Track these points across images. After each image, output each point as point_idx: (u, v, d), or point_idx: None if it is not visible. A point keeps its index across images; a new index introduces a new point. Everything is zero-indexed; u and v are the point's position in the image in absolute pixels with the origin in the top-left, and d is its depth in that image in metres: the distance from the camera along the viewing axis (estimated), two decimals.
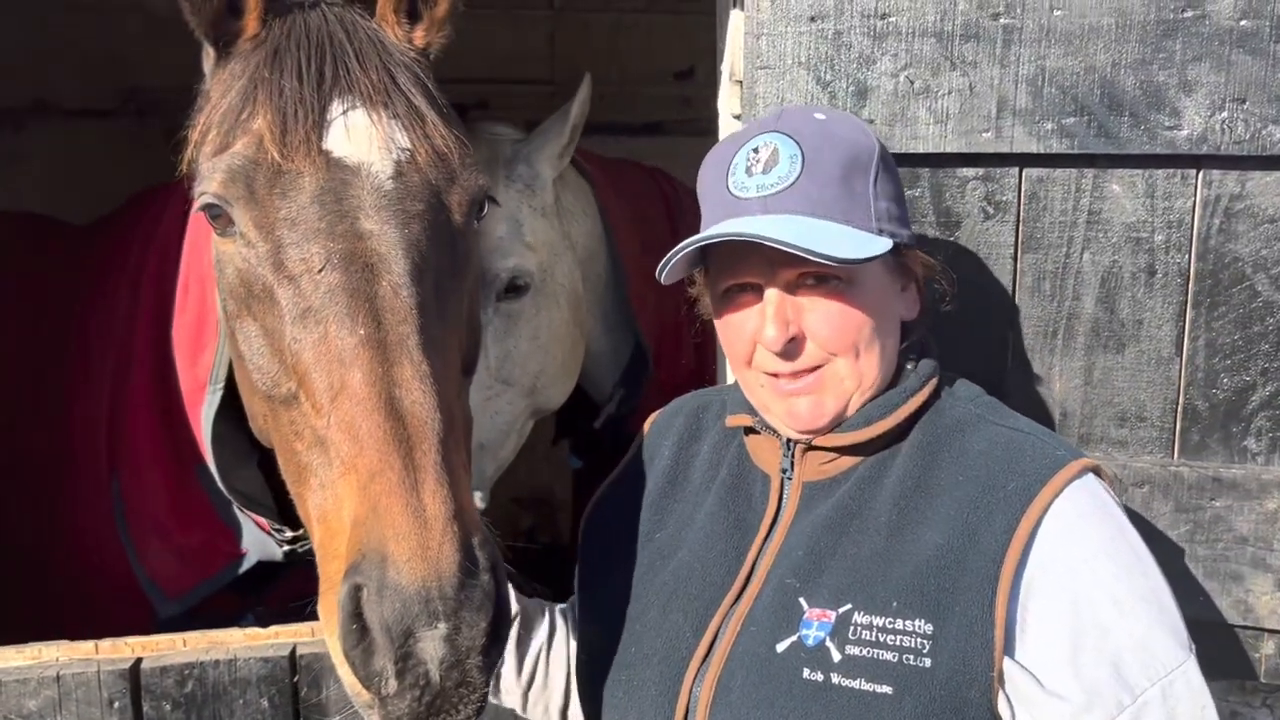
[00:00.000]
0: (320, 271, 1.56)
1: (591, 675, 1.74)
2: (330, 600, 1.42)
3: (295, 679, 2.16)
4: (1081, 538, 1.45)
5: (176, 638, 2.23)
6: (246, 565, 2.56)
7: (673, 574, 1.68)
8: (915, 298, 1.66)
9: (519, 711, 1.98)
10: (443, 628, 1.33)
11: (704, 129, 2.60)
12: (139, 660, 2.17)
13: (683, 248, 1.60)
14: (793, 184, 1.55)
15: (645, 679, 1.63)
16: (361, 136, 1.66)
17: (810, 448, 1.63)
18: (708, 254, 1.68)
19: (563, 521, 5.66)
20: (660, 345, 3.40)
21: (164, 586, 2.61)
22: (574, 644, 1.91)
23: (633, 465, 1.90)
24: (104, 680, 2.13)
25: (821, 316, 1.57)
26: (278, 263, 1.61)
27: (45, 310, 3.02)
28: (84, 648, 2.19)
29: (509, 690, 1.93)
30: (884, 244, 1.54)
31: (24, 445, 2.86)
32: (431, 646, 1.33)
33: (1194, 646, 1.45)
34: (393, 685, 1.34)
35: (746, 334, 1.62)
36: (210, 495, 2.44)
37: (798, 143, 1.57)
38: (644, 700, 1.62)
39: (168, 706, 2.16)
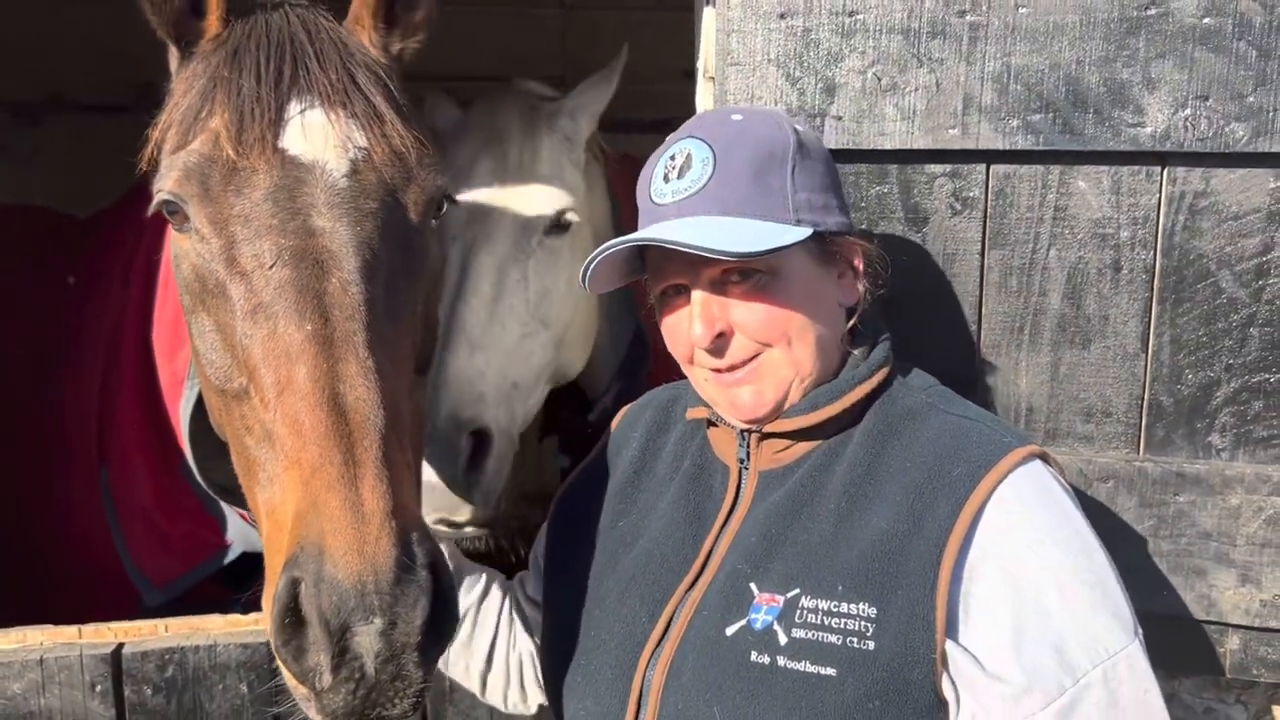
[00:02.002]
0: (271, 268, 1.58)
1: (552, 660, 1.78)
2: (272, 593, 1.44)
3: (274, 664, 2.20)
4: (1025, 522, 1.46)
5: (158, 623, 2.28)
6: (231, 556, 2.61)
7: (633, 561, 1.72)
8: (853, 283, 1.68)
9: (439, 668, 1.99)
10: (378, 622, 1.34)
11: None
12: (121, 645, 2.21)
13: (594, 258, 1.65)
14: (704, 186, 1.59)
15: (602, 663, 1.66)
16: (317, 135, 1.68)
17: (765, 436, 1.66)
18: (645, 260, 1.73)
19: None
20: (659, 341, 3.38)
21: (150, 575, 2.65)
22: (507, 615, 1.96)
23: (601, 455, 1.94)
24: (86, 664, 2.18)
25: (747, 311, 1.60)
26: (230, 259, 1.63)
27: (43, 302, 3.07)
28: (67, 632, 2.24)
29: None
30: (797, 233, 1.56)
31: (21, 435, 2.92)
32: (367, 640, 1.34)
33: (1140, 631, 1.46)
34: (328, 679, 1.35)
35: (682, 334, 1.66)
36: (194, 487, 2.48)
37: (710, 146, 1.61)
38: (600, 684, 1.65)
39: (149, 690, 2.20)
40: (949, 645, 1.43)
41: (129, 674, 2.19)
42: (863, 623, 1.45)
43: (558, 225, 2.69)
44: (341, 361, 1.51)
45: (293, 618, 1.38)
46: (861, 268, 1.67)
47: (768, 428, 1.64)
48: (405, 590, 1.36)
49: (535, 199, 2.69)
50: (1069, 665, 1.41)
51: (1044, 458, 1.54)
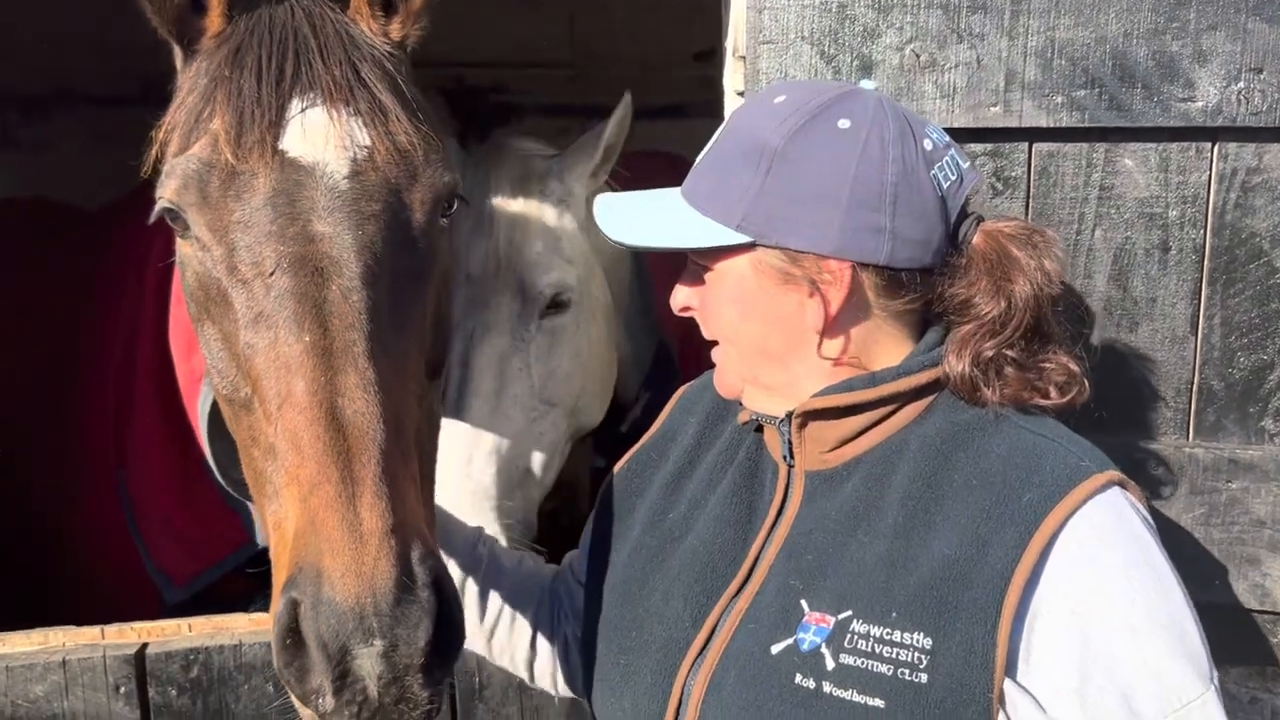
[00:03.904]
0: (270, 275, 1.53)
1: (589, 652, 1.73)
2: (275, 612, 1.40)
3: None
4: (1098, 558, 1.37)
5: (182, 623, 2.24)
6: (253, 552, 2.57)
7: (680, 559, 1.65)
8: (820, 307, 1.51)
9: (486, 657, 1.98)
10: (379, 644, 1.30)
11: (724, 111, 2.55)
12: (144, 645, 2.18)
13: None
14: (700, 162, 1.59)
15: (642, 666, 1.61)
16: (318, 135, 1.61)
17: (804, 422, 1.57)
18: None
19: (586, 506, 5.62)
20: (685, 342, 3.34)
21: (171, 574, 2.62)
22: (548, 600, 1.93)
23: (656, 440, 1.87)
24: (110, 665, 2.14)
25: (692, 294, 1.62)
26: (231, 266, 1.57)
27: (57, 297, 3.03)
28: (89, 633, 2.20)
29: (471, 636, 1.92)
30: (712, 238, 1.51)
31: (39, 433, 2.88)
32: (369, 663, 1.31)
33: (1216, 675, 1.36)
34: (330, 702, 1.32)
35: None
36: (215, 484, 2.43)
37: (728, 123, 1.58)
38: (638, 687, 1.60)
39: (173, 691, 2.17)
40: (1008, 684, 1.35)
41: (153, 675, 2.16)
42: (916, 654, 1.37)
43: (555, 305, 2.65)
44: (340, 373, 1.45)
45: (294, 639, 1.34)
46: (832, 296, 1.50)
47: (804, 407, 1.56)
48: (406, 611, 1.32)
49: (530, 283, 2.63)
50: (1137, 715, 1.32)
51: (1123, 484, 1.44)
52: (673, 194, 1.61)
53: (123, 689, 2.14)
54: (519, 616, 1.92)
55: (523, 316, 2.61)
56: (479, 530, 2.00)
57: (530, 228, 2.67)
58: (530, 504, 2.61)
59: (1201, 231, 1.97)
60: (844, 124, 1.48)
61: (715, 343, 1.64)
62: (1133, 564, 1.37)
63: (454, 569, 1.90)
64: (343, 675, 1.31)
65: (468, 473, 2.46)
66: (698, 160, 1.60)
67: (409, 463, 1.48)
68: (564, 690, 1.96)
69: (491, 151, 2.82)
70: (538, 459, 2.62)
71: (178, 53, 1.81)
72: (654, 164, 3.84)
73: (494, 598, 1.92)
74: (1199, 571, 2.01)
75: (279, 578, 1.43)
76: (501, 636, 1.92)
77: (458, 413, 2.51)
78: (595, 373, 2.80)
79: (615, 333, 2.98)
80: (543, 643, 1.92)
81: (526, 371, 2.59)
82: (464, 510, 2.40)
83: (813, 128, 1.48)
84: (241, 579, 2.70)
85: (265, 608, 2.34)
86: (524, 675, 1.97)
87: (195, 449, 2.43)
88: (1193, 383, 2.01)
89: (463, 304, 2.58)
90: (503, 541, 2.43)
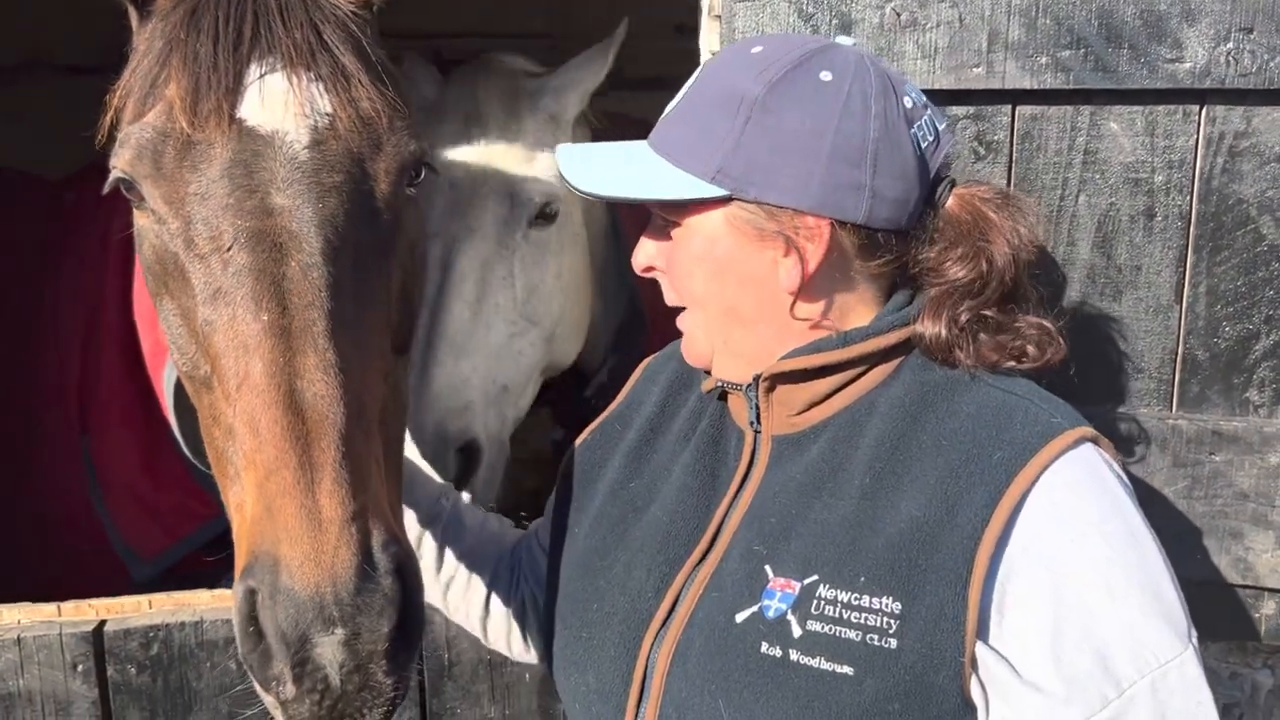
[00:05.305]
0: (229, 251, 1.46)
1: (550, 625, 1.69)
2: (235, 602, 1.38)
3: None
4: (1071, 516, 1.33)
5: (142, 599, 2.18)
6: (223, 527, 2.51)
7: (642, 529, 1.61)
8: (795, 266, 1.46)
9: (443, 612, 1.95)
10: (340, 633, 1.27)
11: None
12: (103, 622, 2.12)
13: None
14: (668, 112, 1.53)
15: (605, 639, 1.57)
16: (277, 102, 1.53)
17: (772, 385, 1.52)
18: None
19: (549, 478, 5.58)
20: (655, 305, 3.28)
21: (138, 548, 2.56)
22: (507, 561, 1.90)
23: (620, 409, 1.83)
24: (66, 643, 2.09)
25: (656, 250, 1.57)
26: (188, 240, 1.51)
27: (17, 267, 2.95)
28: (46, 610, 2.14)
29: (428, 587, 1.88)
30: (686, 190, 1.45)
31: None
32: (330, 652, 1.28)
33: (1195, 635, 1.33)
34: (290, 690, 1.29)
35: None
36: (182, 457, 2.38)
37: (702, 71, 1.52)
38: (602, 660, 1.56)
39: (133, 669, 2.11)
40: (980, 648, 1.31)
41: (111, 653, 2.10)
42: (885, 619, 1.32)
43: (543, 215, 2.57)
44: (299, 354, 1.40)
45: (255, 626, 1.31)
46: (810, 254, 1.44)
47: (772, 369, 1.51)
48: (368, 600, 1.28)
49: (518, 190, 2.56)
50: (1113, 675, 1.28)
51: (1096, 441, 1.40)
52: (640, 145, 1.55)
53: (80, 667, 2.09)
54: (475, 575, 1.88)
55: (509, 223, 2.54)
56: (447, 485, 1.96)
57: (521, 136, 2.62)
58: (504, 423, 2.55)
59: (1188, 197, 1.92)
60: (826, 76, 1.43)
61: (680, 311, 1.59)
62: (1107, 521, 1.33)
63: (415, 520, 1.88)
64: (302, 663, 1.28)
65: (450, 372, 2.42)
66: (667, 110, 1.54)
67: (372, 444, 1.43)
68: (520, 655, 1.93)
69: (478, 67, 2.76)
70: (516, 377, 2.56)
71: (133, 13, 1.73)
72: (628, 125, 3.76)
73: (453, 552, 1.89)
74: (1181, 545, 1.98)
75: (238, 564, 1.38)
76: (457, 592, 1.89)
77: (435, 319, 2.42)
78: (574, 301, 2.74)
79: (593, 280, 2.92)
80: (498, 604, 1.88)
81: (510, 281, 2.52)
82: (447, 410, 2.38)
83: (794, 79, 1.43)
84: (213, 556, 2.64)
85: (231, 586, 2.28)
86: (479, 634, 1.94)
87: (161, 422, 2.38)
88: (1177, 352, 1.97)
89: (443, 209, 2.49)
90: (486, 456, 2.41)
